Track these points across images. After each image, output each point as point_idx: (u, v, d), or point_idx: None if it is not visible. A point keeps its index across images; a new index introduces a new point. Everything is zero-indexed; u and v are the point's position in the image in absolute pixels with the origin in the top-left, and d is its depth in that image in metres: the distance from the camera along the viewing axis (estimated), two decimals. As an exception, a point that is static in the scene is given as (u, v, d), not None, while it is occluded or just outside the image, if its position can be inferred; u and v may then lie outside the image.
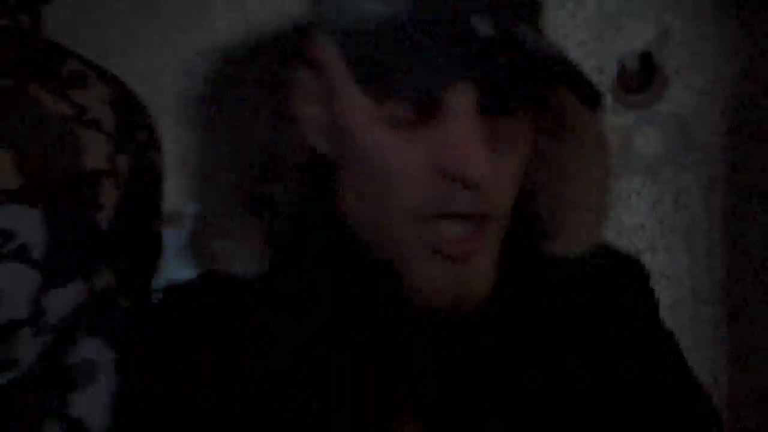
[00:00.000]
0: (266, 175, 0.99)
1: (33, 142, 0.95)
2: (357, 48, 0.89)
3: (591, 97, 0.87)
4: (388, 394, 0.93)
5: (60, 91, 1.01)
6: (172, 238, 2.88)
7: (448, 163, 0.85)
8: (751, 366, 2.37)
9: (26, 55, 1.06)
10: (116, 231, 1.05)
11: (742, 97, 2.47)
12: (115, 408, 1.01)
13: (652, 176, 2.57)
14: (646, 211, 2.56)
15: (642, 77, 2.61)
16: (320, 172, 0.99)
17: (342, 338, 0.94)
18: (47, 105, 0.99)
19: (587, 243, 1.05)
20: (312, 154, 0.99)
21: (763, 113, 2.44)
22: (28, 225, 0.93)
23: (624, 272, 1.11)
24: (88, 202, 0.99)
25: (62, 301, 0.97)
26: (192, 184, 1.12)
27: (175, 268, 1.67)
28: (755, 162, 2.42)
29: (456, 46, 0.85)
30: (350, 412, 0.93)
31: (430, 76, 0.85)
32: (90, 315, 1.01)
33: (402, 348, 0.93)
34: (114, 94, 1.08)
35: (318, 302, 0.95)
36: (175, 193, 2.73)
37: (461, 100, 0.85)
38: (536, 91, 0.91)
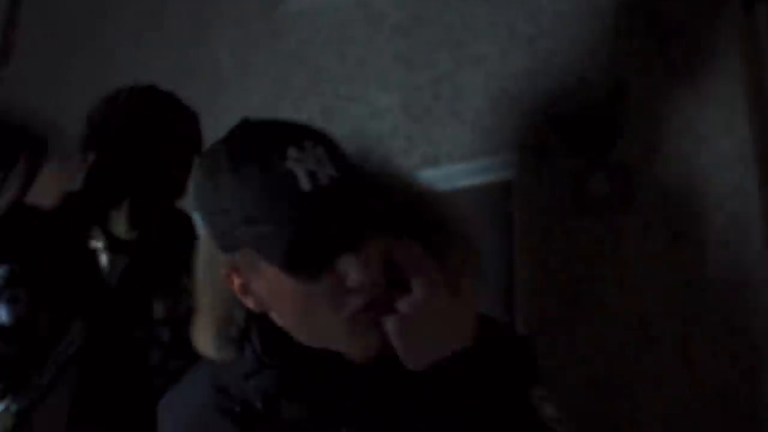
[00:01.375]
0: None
1: None
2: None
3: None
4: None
5: None
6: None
7: None
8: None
9: None
10: None
11: (680, 152, 2.65)
12: None
13: (598, 217, 2.74)
14: (589, 246, 2.76)
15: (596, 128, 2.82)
16: None
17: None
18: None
19: None
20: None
21: (696, 167, 2.61)
22: None
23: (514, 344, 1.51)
24: None
25: None
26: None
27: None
28: (687, 211, 2.61)
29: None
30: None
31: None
32: None
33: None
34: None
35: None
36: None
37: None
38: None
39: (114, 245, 2.31)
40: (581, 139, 2.83)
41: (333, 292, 1.29)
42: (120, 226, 2.30)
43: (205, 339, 1.52)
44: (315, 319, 1.35)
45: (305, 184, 1.25)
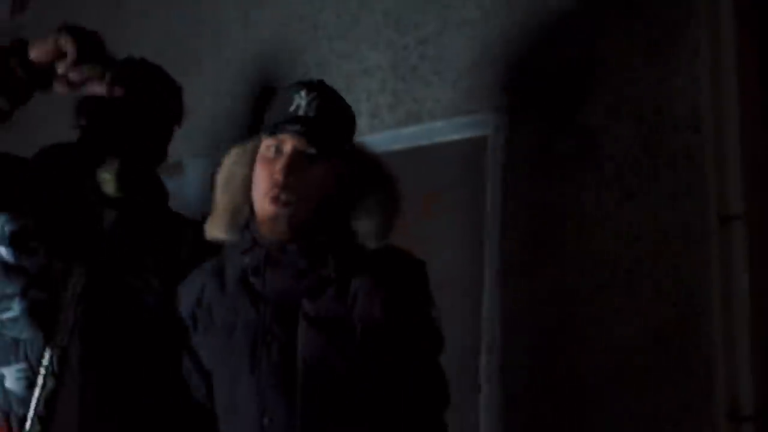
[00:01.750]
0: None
1: None
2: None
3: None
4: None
5: None
6: (173, 185, 3.44)
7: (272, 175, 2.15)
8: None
9: None
10: None
11: (638, 116, 2.84)
12: None
13: (563, 174, 2.96)
14: (552, 200, 2.97)
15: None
16: None
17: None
18: None
19: (375, 243, 2.25)
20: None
21: (652, 130, 2.80)
22: None
23: (404, 264, 2.33)
24: None
25: None
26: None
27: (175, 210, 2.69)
28: (641, 170, 2.80)
29: (289, 122, 2.16)
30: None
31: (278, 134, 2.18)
32: None
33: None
34: None
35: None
36: (178, 147, 3.18)
37: (287, 148, 2.16)
38: (327, 151, 2.19)
39: (103, 201, 2.57)
40: (549, 103, 3.05)
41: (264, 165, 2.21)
42: (109, 185, 2.56)
43: (219, 227, 2.32)
44: (257, 186, 2.21)
45: (292, 108, 2.18)
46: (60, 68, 2.32)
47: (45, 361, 2.42)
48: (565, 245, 2.90)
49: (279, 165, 2.14)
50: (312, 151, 2.16)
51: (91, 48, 2.33)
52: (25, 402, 2.42)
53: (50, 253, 2.48)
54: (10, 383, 2.44)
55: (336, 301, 2.19)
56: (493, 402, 2.96)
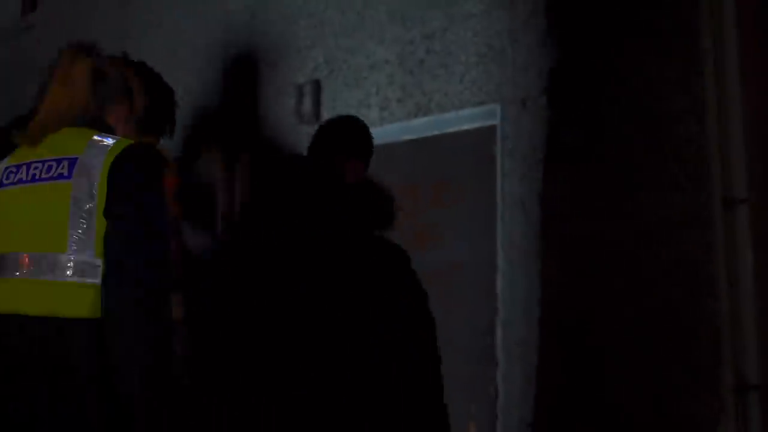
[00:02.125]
0: None
1: None
2: None
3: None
4: None
5: None
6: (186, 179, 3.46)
7: None
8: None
9: None
10: None
11: (641, 106, 2.93)
12: None
13: (570, 162, 3.07)
14: (569, 179, 3.08)
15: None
16: None
17: None
18: None
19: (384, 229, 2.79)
20: None
21: (655, 120, 2.88)
22: None
23: (393, 251, 2.62)
24: None
25: None
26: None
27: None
28: (646, 158, 2.89)
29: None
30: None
31: None
32: None
33: None
34: None
35: None
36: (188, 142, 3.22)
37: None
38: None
39: None
40: (556, 95, 3.13)
41: None
42: None
43: None
44: None
45: None
46: None
47: None
48: (573, 231, 2.99)
49: None
50: None
51: None
52: None
53: None
54: None
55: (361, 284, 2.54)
56: (510, 375, 3.09)
